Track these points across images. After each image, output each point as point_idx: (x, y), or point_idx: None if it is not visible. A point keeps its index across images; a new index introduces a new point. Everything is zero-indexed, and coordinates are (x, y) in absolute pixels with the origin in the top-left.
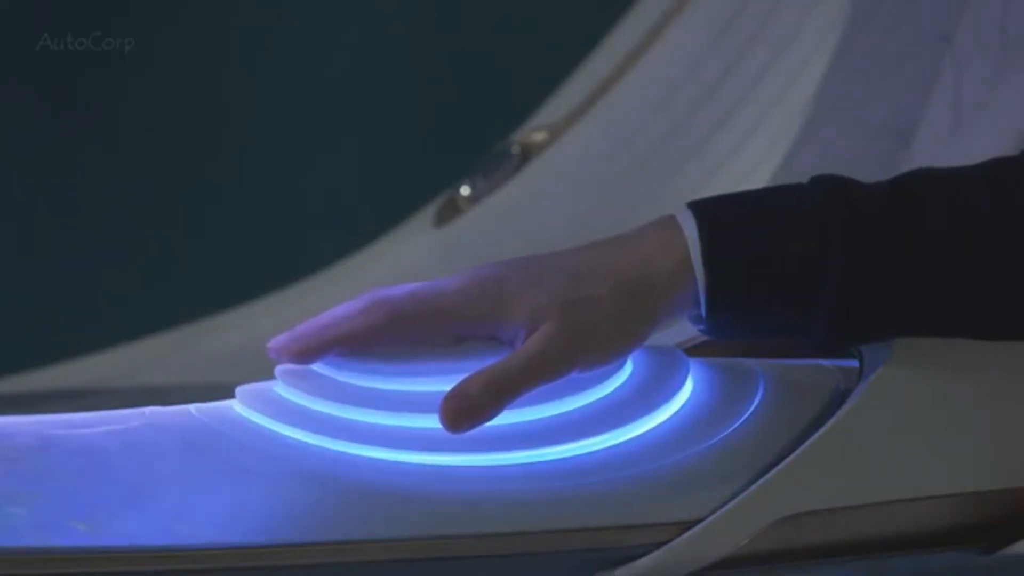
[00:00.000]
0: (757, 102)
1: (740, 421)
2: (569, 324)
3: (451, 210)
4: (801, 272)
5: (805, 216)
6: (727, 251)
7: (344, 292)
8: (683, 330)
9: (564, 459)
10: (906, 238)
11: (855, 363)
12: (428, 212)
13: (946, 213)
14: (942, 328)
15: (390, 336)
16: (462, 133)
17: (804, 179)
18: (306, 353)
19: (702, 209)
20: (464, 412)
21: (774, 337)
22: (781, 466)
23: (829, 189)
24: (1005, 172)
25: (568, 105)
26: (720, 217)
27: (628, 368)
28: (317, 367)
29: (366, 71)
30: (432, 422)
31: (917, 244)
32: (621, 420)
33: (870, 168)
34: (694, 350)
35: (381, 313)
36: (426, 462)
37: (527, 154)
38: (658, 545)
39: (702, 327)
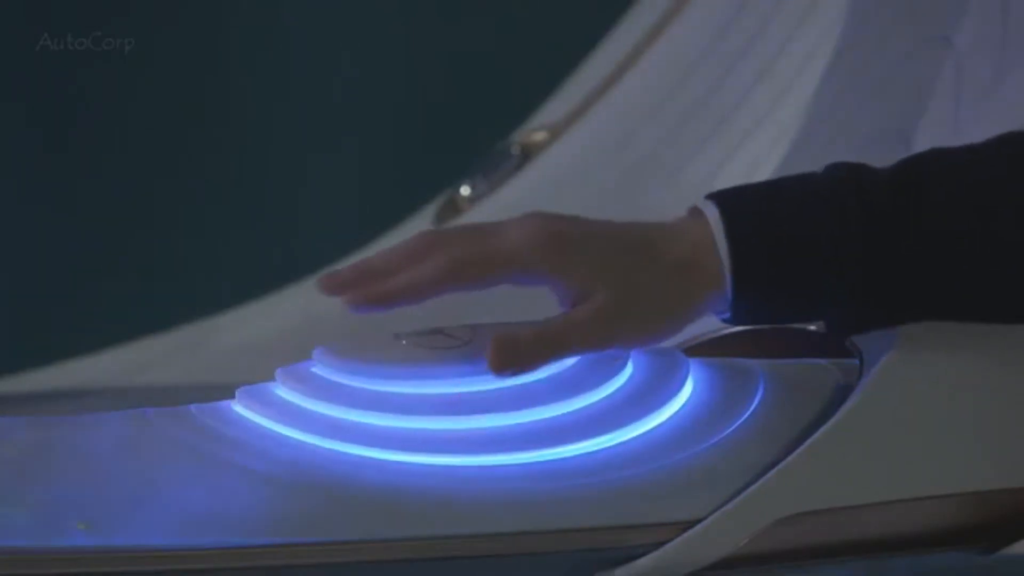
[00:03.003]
0: (757, 101)
1: (740, 421)
2: (620, 299)
3: (451, 210)
4: (823, 244)
5: (821, 195)
6: (747, 228)
7: None
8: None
9: (564, 459)
10: (921, 206)
11: (855, 362)
12: (428, 212)
13: (958, 182)
14: (959, 303)
15: (449, 286)
16: (462, 133)
17: None
18: (374, 303)
19: (721, 195)
20: (512, 355)
21: (797, 318)
22: (781, 466)
23: (842, 171)
24: (1014, 143)
25: (568, 105)
26: (738, 201)
27: (628, 369)
28: (317, 369)
29: (366, 71)
30: (431, 424)
31: (931, 214)
32: (621, 420)
33: None
34: (694, 350)
35: (441, 261)
36: (426, 462)
37: (527, 154)
38: (658, 545)
39: (726, 316)
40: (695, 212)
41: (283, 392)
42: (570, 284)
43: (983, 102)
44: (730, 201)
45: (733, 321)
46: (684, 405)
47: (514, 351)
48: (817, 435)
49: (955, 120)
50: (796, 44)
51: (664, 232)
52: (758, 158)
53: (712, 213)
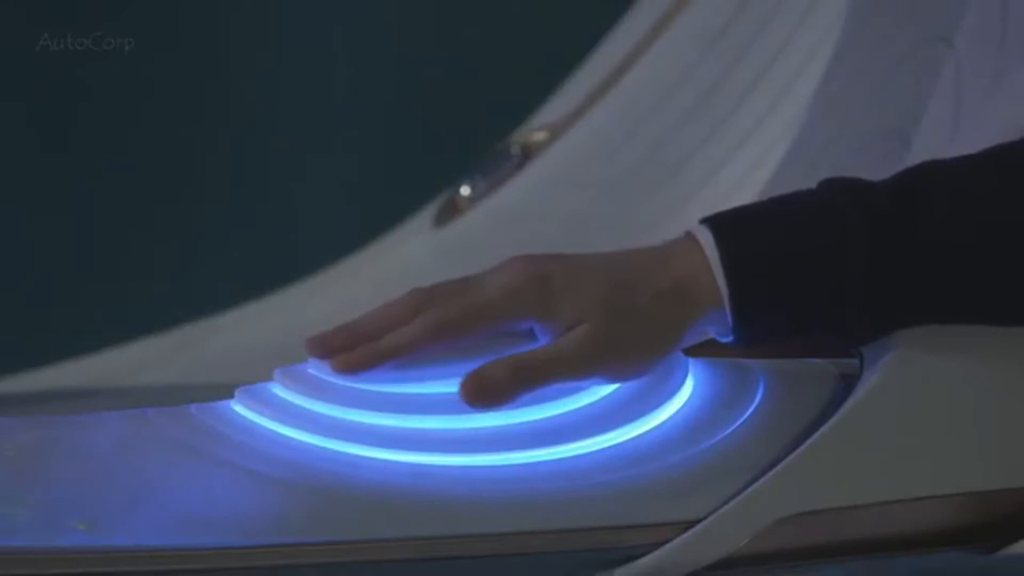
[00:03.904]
0: (757, 102)
1: (740, 421)
2: (607, 329)
3: (451, 210)
4: (822, 257)
5: (819, 209)
6: (743, 248)
7: (344, 292)
8: None
9: (564, 459)
10: (921, 216)
11: (855, 362)
12: (428, 212)
13: (957, 192)
14: (960, 310)
15: (437, 344)
16: (462, 133)
17: (804, 179)
18: (359, 368)
19: (714, 219)
20: (485, 390)
21: (801, 336)
22: (781, 466)
23: (838, 186)
24: (1009, 154)
25: (568, 105)
26: (732, 221)
27: None
28: (315, 369)
29: (366, 71)
30: (430, 423)
31: (931, 223)
32: (621, 420)
33: (870, 169)
34: (694, 350)
35: (430, 323)
36: (426, 462)
37: (527, 154)
38: (658, 545)
39: (730, 339)
40: (687, 236)
41: (282, 392)
42: (557, 323)
43: (983, 102)
44: (724, 224)
45: (736, 343)
46: (684, 405)
47: (490, 384)
48: (817, 435)
49: (955, 120)
50: (796, 44)
51: (656, 256)
52: (758, 158)
53: (706, 238)
